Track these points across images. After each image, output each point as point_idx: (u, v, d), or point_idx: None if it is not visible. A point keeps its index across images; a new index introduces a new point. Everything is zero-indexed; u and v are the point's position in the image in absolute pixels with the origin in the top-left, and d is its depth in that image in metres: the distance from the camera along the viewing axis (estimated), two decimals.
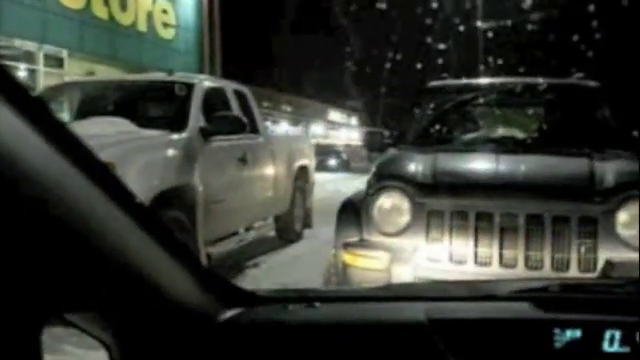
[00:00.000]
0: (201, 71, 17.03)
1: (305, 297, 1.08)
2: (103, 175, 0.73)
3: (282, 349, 0.98)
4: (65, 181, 0.67)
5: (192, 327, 0.91)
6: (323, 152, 25.70)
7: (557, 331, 1.00)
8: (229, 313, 0.98)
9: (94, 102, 5.90)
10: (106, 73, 13.72)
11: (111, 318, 0.79)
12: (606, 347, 1.00)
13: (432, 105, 5.07)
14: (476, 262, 3.29)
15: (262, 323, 1.01)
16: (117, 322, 0.80)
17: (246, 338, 0.98)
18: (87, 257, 0.70)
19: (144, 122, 5.02)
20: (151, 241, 0.81)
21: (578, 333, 1.00)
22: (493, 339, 1.00)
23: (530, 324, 1.03)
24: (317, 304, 1.05)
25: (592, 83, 4.96)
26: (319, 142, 25.74)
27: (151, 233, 0.80)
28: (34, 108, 0.65)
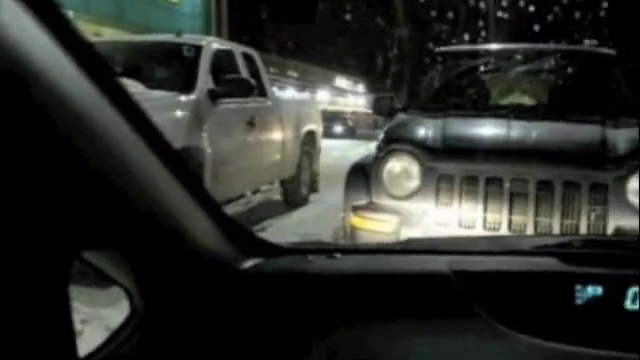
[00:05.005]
0: (207, 35, 16.88)
1: (326, 249, 1.08)
2: (133, 110, 0.72)
3: (302, 299, 0.98)
4: (94, 113, 0.65)
5: (213, 275, 0.91)
6: (329, 119, 25.62)
7: (578, 287, 1.00)
8: (250, 262, 0.97)
9: None
10: (112, 35, 13.60)
11: (132, 262, 0.79)
12: (628, 305, 0.99)
13: (442, 70, 5.03)
14: (485, 227, 3.29)
15: (282, 273, 1.00)
16: (138, 266, 0.80)
17: (266, 287, 0.97)
18: (107, 193, 0.68)
19: (152, 83, 5.00)
20: (176, 184, 0.80)
21: (599, 290, 1.00)
22: (516, 291, 1.00)
23: (552, 278, 1.02)
24: (338, 255, 1.05)
25: (606, 50, 4.90)
26: (325, 109, 25.66)
27: (176, 176, 0.79)
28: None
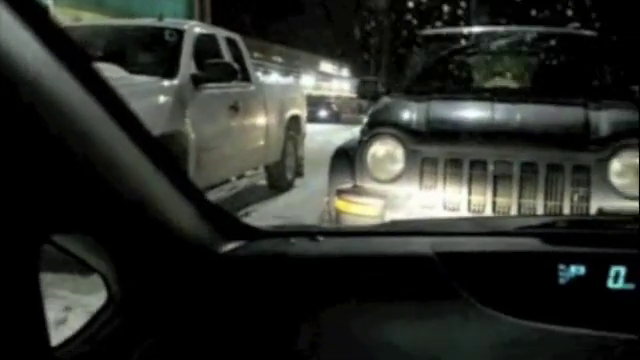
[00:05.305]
0: (190, 19, 16.67)
1: (308, 232, 1.07)
2: (108, 95, 0.70)
3: (284, 282, 0.97)
4: (66, 96, 0.64)
5: (192, 258, 0.90)
6: (314, 103, 25.58)
7: (562, 267, 1.00)
8: (230, 246, 0.96)
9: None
10: (92, 20, 13.41)
11: (108, 246, 0.77)
12: (610, 284, 1.00)
13: (426, 53, 5.01)
14: (469, 209, 3.30)
15: (263, 255, 0.99)
16: (114, 250, 0.78)
17: (247, 270, 0.97)
18: (79, 176, 0.67)
19: (135, 68, 4.94)
20: (153, 167, 0.78)
21: (582, 270, 1.00)
22: (499, 272, 1.00)
23: (536, 258, 1.02)
24: (320, 238, 1.04)
25: (589, 33, 4.91)
26: (310, 93, 25.57)
27: (153, 159, 0.78)
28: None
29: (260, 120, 6.61)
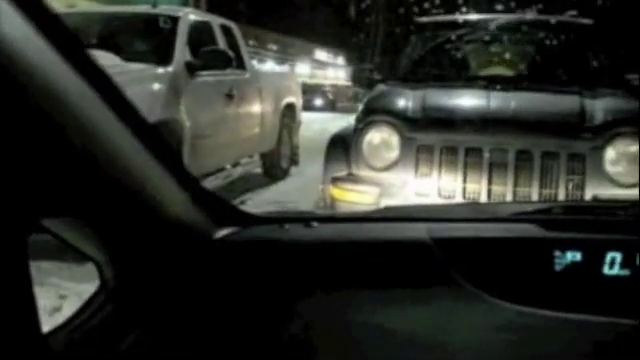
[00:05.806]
0: (185, 6, 16.56)
1: (302, 218, 1.07)
2: (101, 80, 0.70)
3: (278, 268, 0.97)
4: (59, 82, 0.63)
5: (187, 244, 0.89)
6: (309, 92, 25.47)
7: (557, 253, 1.00)
8: (224, 231, 0.96)
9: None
10: (87, 7, 13.32)
11: (100, 232, 0.77)
12: (606, 270, 1.00)
13: (422, 41, 5.00)
14: (464, 197, 3.30)
15: (257, 241, 0.99)
16: (107, 236, 0.78)
17: (241, 256, 0.96)
18: (70, 160, 0.66)
19: (128, 56, 4.91)
20: (147, 153, 0.77)
21: (578, 256, 1.00)
22: (495, 258, 1.00)
23: (531, 244, 1.02)
24: (315, 224, 1.04)
25: (585, 21, 4.90)
26: (305, 82, 25.51)
27: (147, 145, 0.77)
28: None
29: (255, 108, 6.59)
